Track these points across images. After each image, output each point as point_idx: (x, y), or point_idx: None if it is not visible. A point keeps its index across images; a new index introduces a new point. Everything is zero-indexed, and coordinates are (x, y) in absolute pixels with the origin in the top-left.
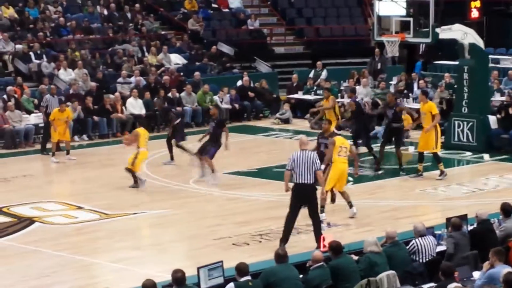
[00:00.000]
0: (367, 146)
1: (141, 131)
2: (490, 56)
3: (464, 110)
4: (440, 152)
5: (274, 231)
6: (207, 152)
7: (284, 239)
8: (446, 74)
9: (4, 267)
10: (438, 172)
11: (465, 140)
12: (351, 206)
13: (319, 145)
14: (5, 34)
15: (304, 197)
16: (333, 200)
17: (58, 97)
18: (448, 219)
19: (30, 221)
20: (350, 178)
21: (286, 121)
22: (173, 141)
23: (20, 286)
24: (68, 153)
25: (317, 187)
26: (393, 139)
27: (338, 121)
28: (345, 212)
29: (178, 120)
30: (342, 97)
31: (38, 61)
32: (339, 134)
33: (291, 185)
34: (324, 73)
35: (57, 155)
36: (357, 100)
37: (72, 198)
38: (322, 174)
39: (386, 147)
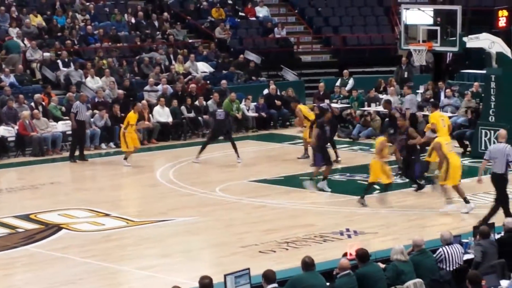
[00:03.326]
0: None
1: None
2: None
3: (491, 119)
4: (467, 161)
5: (301, 238)
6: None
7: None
8: (475, 83)
9: (32, 273)
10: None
11: None
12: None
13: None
14: (33, 42)
15: (494, 183)
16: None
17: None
18: (475, 228)
19: (57, 227)
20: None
21: None
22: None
23: None
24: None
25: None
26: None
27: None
28: (372, 219)
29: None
30: (369, 105)
31: (65, 69)
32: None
33: None
34: (351, 82)
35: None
36: (322, 105)
37: (99, 205)
38: None
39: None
